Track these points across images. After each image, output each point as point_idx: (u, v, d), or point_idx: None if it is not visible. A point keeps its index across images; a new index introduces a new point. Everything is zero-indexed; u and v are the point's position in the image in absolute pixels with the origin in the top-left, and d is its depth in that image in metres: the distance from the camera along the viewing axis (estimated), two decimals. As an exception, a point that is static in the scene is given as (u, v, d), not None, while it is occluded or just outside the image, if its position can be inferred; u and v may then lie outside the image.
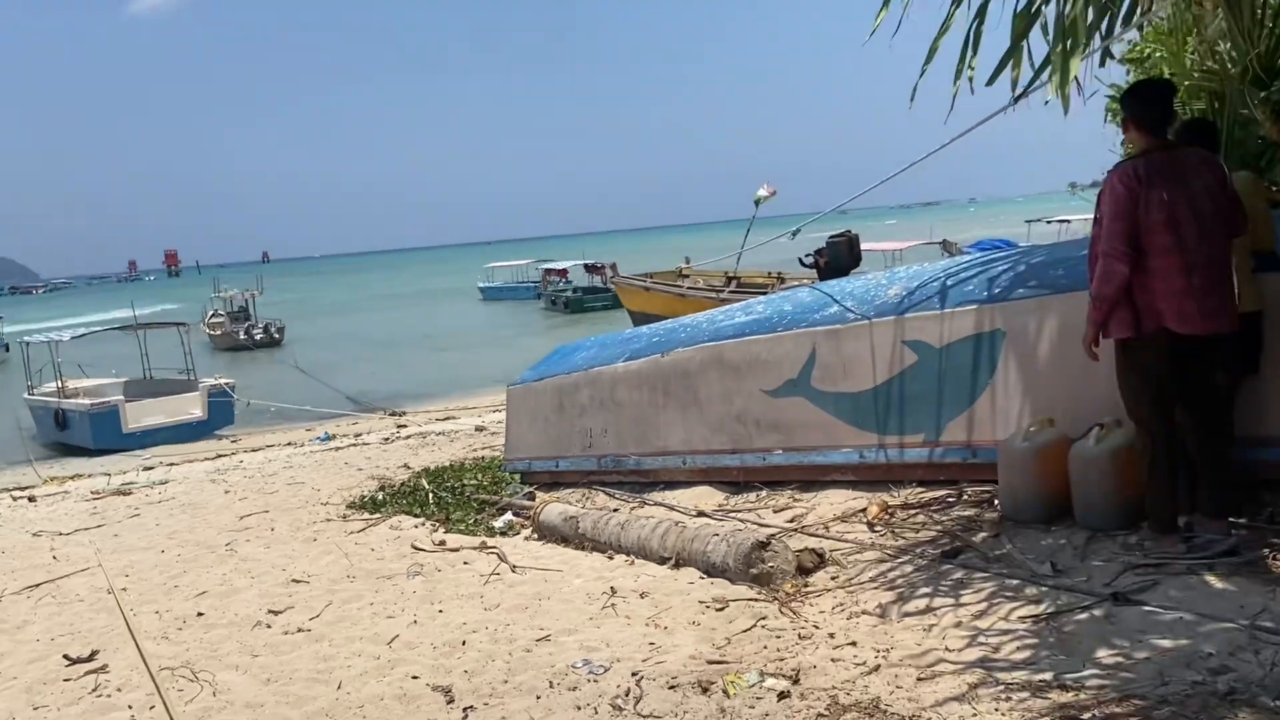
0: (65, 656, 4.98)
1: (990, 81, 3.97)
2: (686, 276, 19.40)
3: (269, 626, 5.13)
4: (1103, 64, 4.27)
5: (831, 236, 11.41)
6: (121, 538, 7.93)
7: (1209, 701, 2.94)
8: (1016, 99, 4.11)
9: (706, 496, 6.52)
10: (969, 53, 3.96)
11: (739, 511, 6.11)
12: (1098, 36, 3.81)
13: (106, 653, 5.00)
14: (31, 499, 11.02)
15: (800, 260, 12.52)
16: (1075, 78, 3.85)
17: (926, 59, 4.17)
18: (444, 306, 55.03)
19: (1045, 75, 3.70)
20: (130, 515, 8.91)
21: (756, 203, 12.49)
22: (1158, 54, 7.19)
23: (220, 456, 12.92)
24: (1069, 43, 3.55)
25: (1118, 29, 3.85)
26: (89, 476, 13.44)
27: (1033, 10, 3.82)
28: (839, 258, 11.06)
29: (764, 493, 6.31)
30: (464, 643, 4.44)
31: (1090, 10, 3.59)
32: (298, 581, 5.87)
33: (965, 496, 5.38)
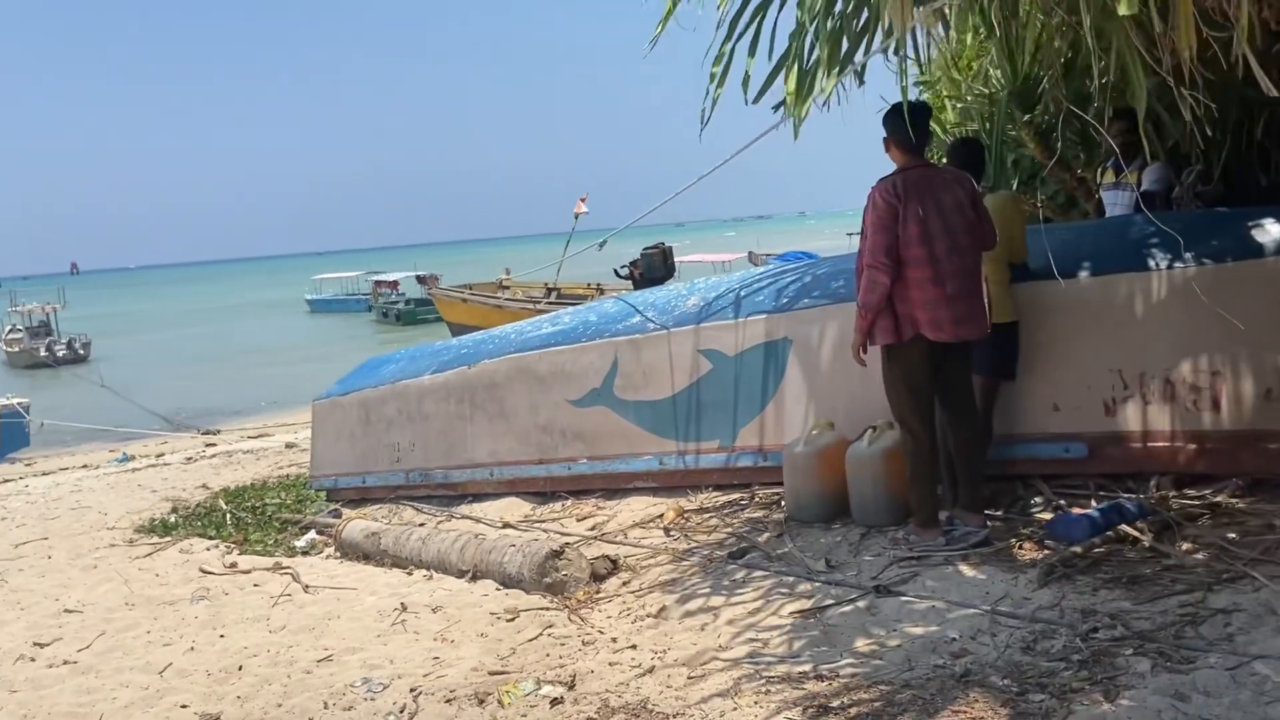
0: None
1: (756, 100, 4.14)
2: (507, 288, 19.40)
3: (33, 660, 4.79)
4: (860, 83, 4.49)
5: (645, 248, 11.63)
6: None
7: (946, 684, 3.14)
8: (777, 126, 4.30)
9: (514, 508, 6.51)
10: (722, 73, 4.12)
11: (544, 521, 6.13)
12: (847, 61, 4.01)
13: None
14: None
15: (615, 271, 12.72)
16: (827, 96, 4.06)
17: (713, 84, 4.31)
18: (269, 320, 52.88)
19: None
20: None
21: (576, 217, 12.63)
22: (940, 79, 7.65)
23: (5, 482, 11.97)
24: (802, 68, 3.76)
25: (859, 56, 4.06)
26: None
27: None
28: (653, 269, 11.28)
29: (569, 502, 6.35)
30: (241, 668, 4.27)
31: (824, 42, 3.80)
32: (70, 611, 5.51)
33: (756, 499, 5.57)
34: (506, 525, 6.13)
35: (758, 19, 4.09)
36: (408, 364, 7.62)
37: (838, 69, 3.77)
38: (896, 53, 4.15)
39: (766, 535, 4.98)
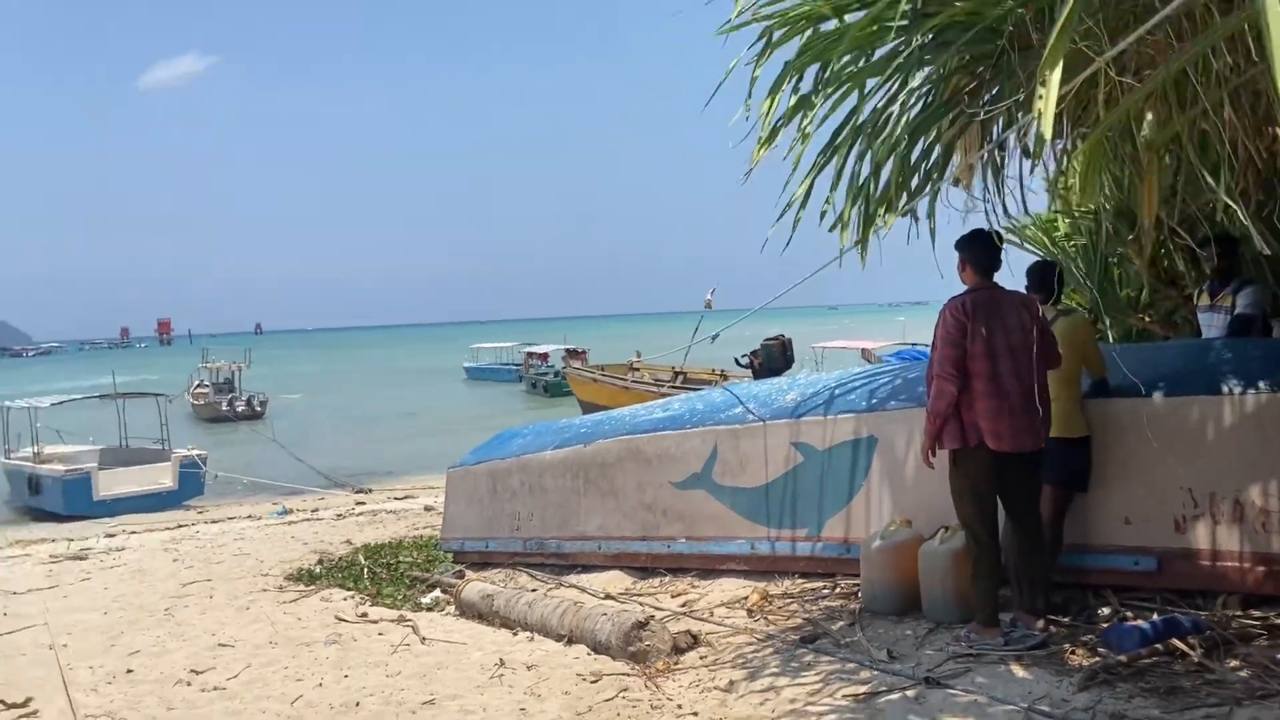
0: (1, 702, 5.39)
1: (831, 229, 4.60)
2: (637, 370, 20.10)
3: (189, 684, 5.56)
4: (927, 215, 4.89)
5: (766, 339, 12.05)
6: (70, 599, 8.32)
7: (966, 770, 3.42)
8: (843, 252, 4.74)
9: (617, 581, 6.99)
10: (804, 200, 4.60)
11: (642, 596, 6.58)
12: (905, 195, 4.44)
13: (39, 700, 5.42)
14: (-8, 560, 11.37)
15: (736, 360, 13.17)
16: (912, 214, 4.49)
17: (793, 210, 4.80)
18: (428, 385, 55.47)
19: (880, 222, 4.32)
20: (82, 579, 9.30)
21: (707, 307, 13.23)
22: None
23: (180, 526, 13.29)
24: (866, 205, 4.20)
25: (927, 189, 4.48)
26: (52, 541, 13.77)
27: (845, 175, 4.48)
28: (771, 359, 11.65)
29: (667, 578, 6.80)
30: (358, 704, 4.89)
31: (884, 180, 4.24)
32: (224, 645, 6.31)
33: (838, 589, 5.88)
34: (608, 596, 6.61)
35: (836, 155, 4.56)
36: (533, 439, 8.28)
37: (905, 201, 4.18)
38: (959, 184, 4.53)
39: (840, 624, 5.29)
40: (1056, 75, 2.49)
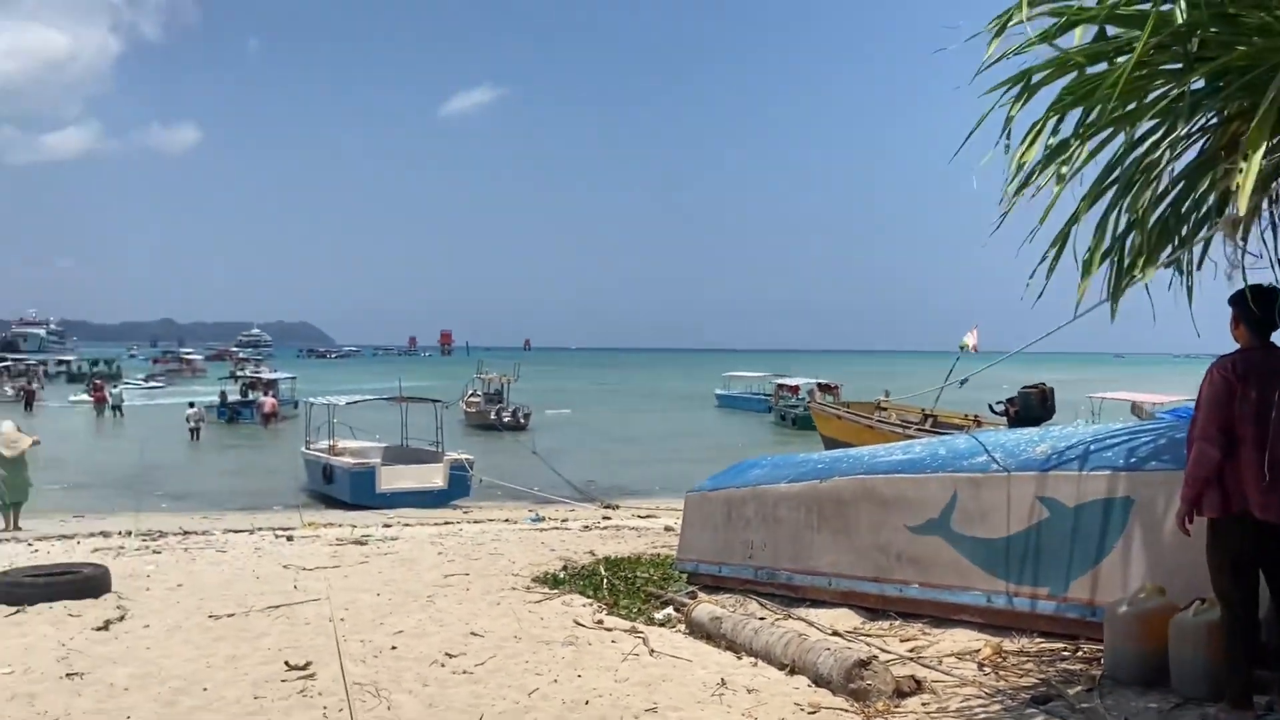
0: (286, 663, 6.17)
1: (1082, 278, 4.47)
2: (884, 409, 19.63)
3: (443, 665, 6.12)
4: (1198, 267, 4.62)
5: (1024, 387, 11.45)
6: (349, 579, 9.30)
7: None
8: (1078, 315, 4.57)
9: (846, 619, 6.98)
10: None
11: (869, 636, 6.54)
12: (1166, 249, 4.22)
13: (317, 665, 6.14)
14: (290, 538, 12.86)
15: (990, 406, 12.56)
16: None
17: (1047, 260, 4.71)
18: (681, 410, 56.74)
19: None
20: (360, 562, 10.35)
21: (961, 348, 12.69)
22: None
23: (446, 524, 14.43)
24: (1119, 257, 4.04)
25: (1197, 238, 4.25)
26: (339, 526, 15.35)
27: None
28: (1029, 409, 11.08)
29: (897, 622, 6.71)
30: (587, 703, 5.22)
31: (1138, 237, 4.06)
32: (475, 634, 6.87)
33: (1080, 653, 5.61)
34: (835, 633, 6.62)
35: (1096, 201, 4.43)
36: (770, 470, 8.41)
37: (1170, 252, 4.02)
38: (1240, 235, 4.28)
39: (1077, 688, 5.06)
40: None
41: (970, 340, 12.88)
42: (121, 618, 7.56)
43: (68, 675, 5.98)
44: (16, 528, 16.40)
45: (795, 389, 46.94)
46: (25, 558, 11.00)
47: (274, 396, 46.15)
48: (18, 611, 7.71)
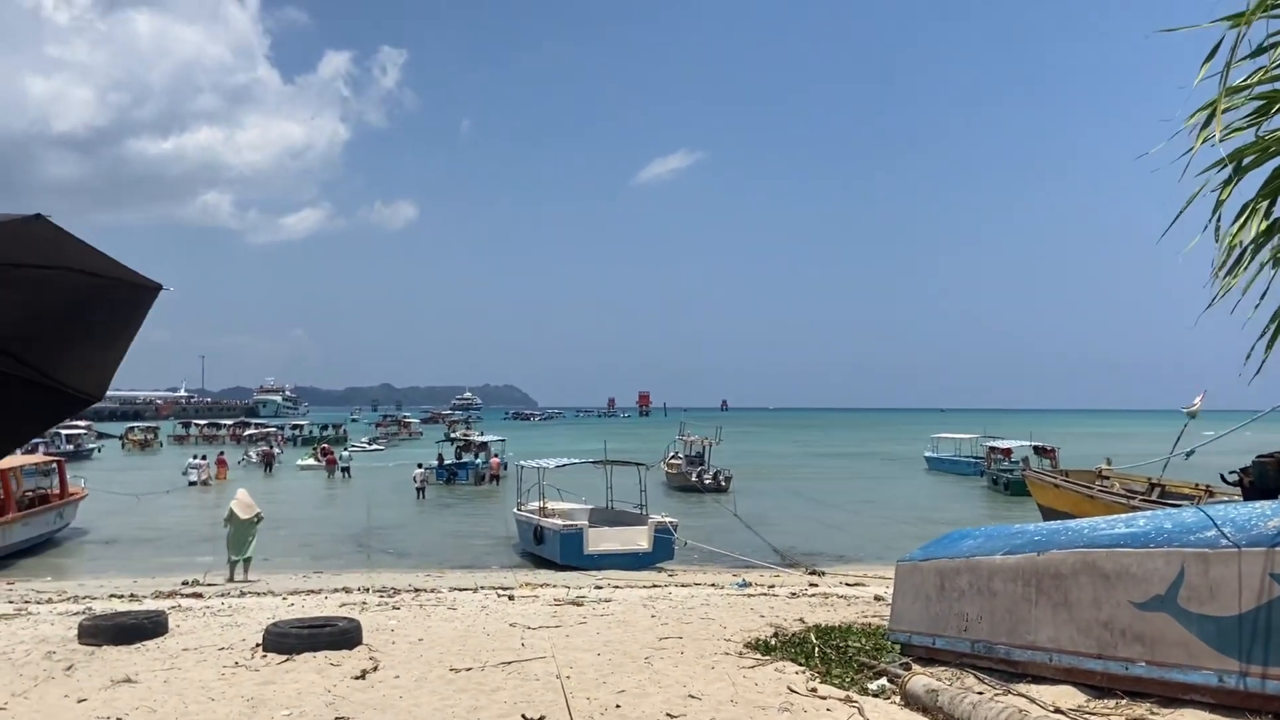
0: (523, 716, 6.70)
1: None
2: (1106, 478, 18.62)
3: (665, 727, 6.47)
4: None
5: (1259, 456, 10.66)
6: (571, 638, 9.85)
7: None
8: None
9: (1068, 696, 6.86)
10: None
11: (1095, 715, 6.42)
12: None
13: (549, 719, 6.64)
14: (511, 597, 13.65)
15: (1222, 476, 11.75)
16: None
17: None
18: (887, 471, 55.48)
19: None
20: (579, 622, 10.91)
21: (1190, 415, 12.00)
22: None
23: (655, 586, 14.88)
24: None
25: None
26: (554, 586, 16.10)
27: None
28: (1265, 479, 10.30)
29: (1124, 701, 6.55)
30: (806, 767, 5.43)
31: None
32: (693, 697, 7.20)
33: (1321, 738, 5.36)
34: (1057, 710, 6.54)
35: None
36: (984, 541, 8.36)
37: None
38: None
39: (1321, 778, 4.86)
40: None
41: (1196, 405, 12.18)
42: (375, 668, 8.37)
43: (337, 719, 6.73)
44: (246, 579, 18.45)
45: (1009, 452, 44.85)
46: (284, 611, 12.22)
47: (496, 457, 48.44)
48: (287, 660, 8.67)
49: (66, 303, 2.50)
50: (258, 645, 9.25)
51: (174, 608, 12.76)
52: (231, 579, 18.77)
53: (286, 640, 9.03)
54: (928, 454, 60.79)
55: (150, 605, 12.77)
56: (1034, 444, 42.24)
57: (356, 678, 7.99)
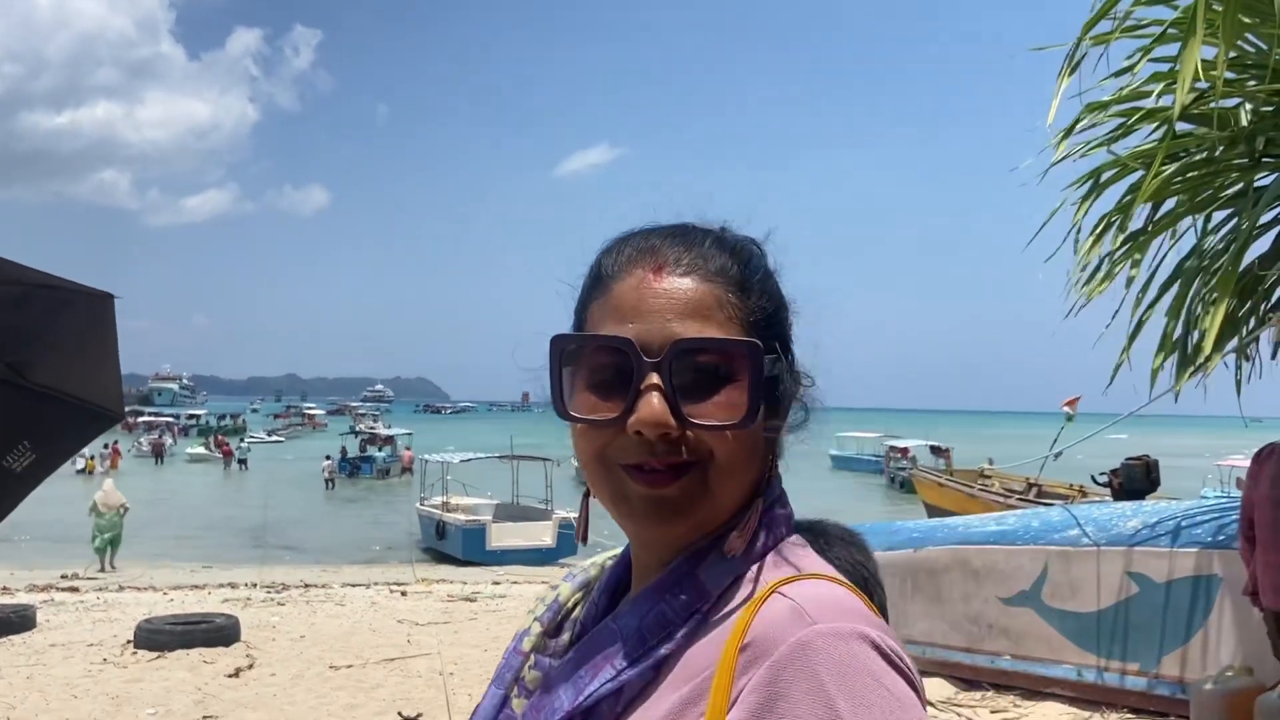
0: (400, 714, 6.61)
1: (1155, 370, 4.63)
2: (988, 478, 19.28)
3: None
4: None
5: (1128, 459, 11.17)
6: (459, 634, 9.76)
7: None
8: (1176, 391, 4.71)
9: (938, 689, 7.05)
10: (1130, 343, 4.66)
11: (961, 706, 6.62)
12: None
13: (427, 717, 6.56)
14: (404, 593, 13.46)
15: (1093, 478, 12.26)
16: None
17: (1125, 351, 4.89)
18: (791, 467, 56.02)
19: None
20: (469, 618, 10.82)
21: (1068, 417, 12.49)
22: None
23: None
24: (1184, 345, 4.20)
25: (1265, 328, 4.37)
26: (450, 582, 15.93)
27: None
28: (1133, 480, 10.80)
29: (989, 693, 6.77)
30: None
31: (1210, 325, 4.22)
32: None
33: (1170, 730, 5.62)
34: (928, 704, 6.71)
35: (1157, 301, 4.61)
36: (867, 538, 8.53)
37: (1237, 341, 4.17)
38: None
39: (1164, 766, 5.10)
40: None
41: (1069, 409, 12.65)
42: (251, 665, 8.16)
43: (204, 718, 6.54)
44: (112, 566, 18.46)
45: (906, 451, 45.97)
46: (163, 606, 11.84)
47: (409, 449, 47.44)
48: (159, 657, 8.40)
49: (47, 320, 2.35)
50: (129, 642, 8.94)
51: (46, 602, 12.27)
52: (103, 569, 18.55)
53: (159, 637, 8.74)
54: (833, 452, 61.83)
55: (22, 599, 12.24)
56: (930, 444, 43.36)
57: (230, 675, 7.79)
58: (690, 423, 0.84)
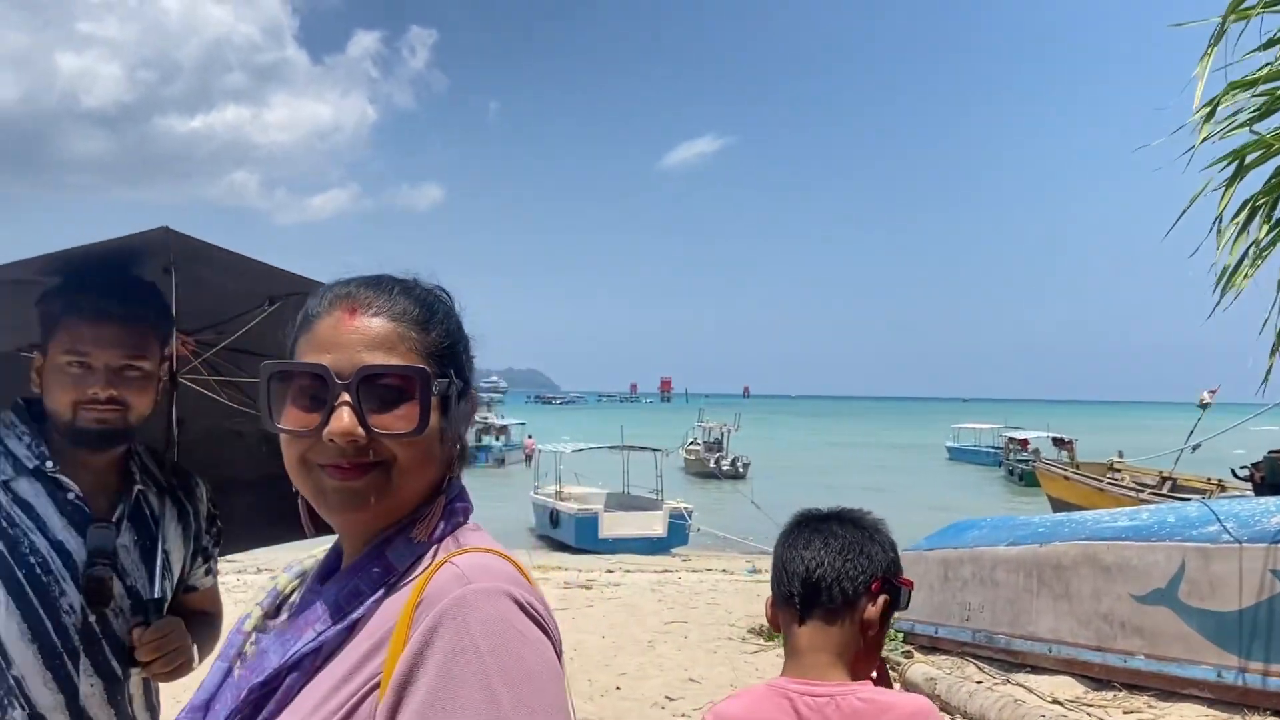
0: (522, 697, 6.78)
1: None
2: (1117, 471, 18.46)
3: (663, 708, 6.54)
4: None
5: (1270, 452, 10.53)
6: (576, 621, 9.92)
7: None
8: None
9: (1067, 687, 6.87)
10: None
11: (1091, 706, 6.43)
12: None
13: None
14: (522, 579, 13.73)
15: (1233, 471, 11.62)
16: None
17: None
18: (908, 461, 55.22)
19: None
20: (586, 605, 10.99)
21: (1202, 408, 11.85)
22: None
23: (666, 571, 14.94)
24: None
25: None
26: (565, 570, 16.19)
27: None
28: (1276, 474, 10.19)
29: (1121, 693, 6.55)
30: (798, 752, 5.47)
31: None
32: (693, 680, 7.27)
33: (1317, 735, 5.35)
34: (1054, 701, 6.55)
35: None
36: (989, 532, 8.36)
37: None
38: None
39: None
40: None
41: (1207, 398, 11.95)
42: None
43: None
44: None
45: (1026, 443, 44.54)
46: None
47: (531, 438, 48.11)
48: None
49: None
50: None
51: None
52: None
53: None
54: (948, 444, 60.50)
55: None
56: (1052, 435, 41.92)
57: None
58: (374, 431, 1.04)
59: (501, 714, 0.92)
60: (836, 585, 1.75)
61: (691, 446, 45.74)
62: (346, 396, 1.04)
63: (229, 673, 1.12)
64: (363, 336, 1.07)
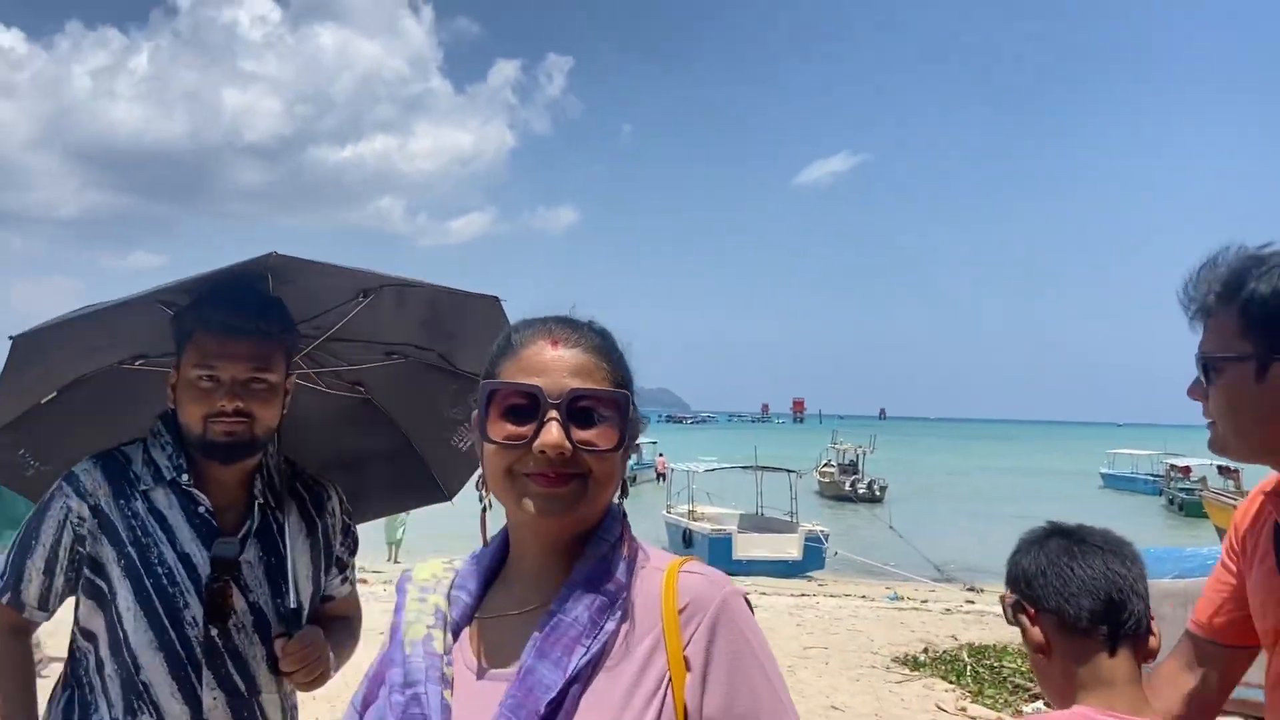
0: None
1: None
2: (1295, 500, 17.01)
3: (805, 737, 6.38)
4: None
5: None
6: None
7: None
8: None
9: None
10: None
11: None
12: None
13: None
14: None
15: None
16: None
17: None
18: (1058, 488, 52.78)
19: None
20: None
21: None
22: None
23: (802, 595, 14.66)
24: None
25: None
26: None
27: None
28: None
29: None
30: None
31: None
32: (836, 709, 7.07)
33: None
34: None
35: None
36: (1153, 564, 7.80)
37: None
38: None
39: None
40: None
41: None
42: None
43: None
44: (396, 561, 19.60)
45: (1188, 470, 41.93)
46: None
47: (662, 455, 48.34)
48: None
49: (454, 319, 2.56)
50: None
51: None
52: (392, 560, 19.74)
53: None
54: (1103, 470, 57.62)
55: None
56: (1217, 463, 39.36)
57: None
58: (578, 446, 1.19)
59: (774, 689, 1.19)
60: (1138, 610, 1.62)
61: (825, 468, 44.93)
62: (556, 414, 1.19)
63: (417, 699, 1.21)
64: (566, 364, 1.23)
